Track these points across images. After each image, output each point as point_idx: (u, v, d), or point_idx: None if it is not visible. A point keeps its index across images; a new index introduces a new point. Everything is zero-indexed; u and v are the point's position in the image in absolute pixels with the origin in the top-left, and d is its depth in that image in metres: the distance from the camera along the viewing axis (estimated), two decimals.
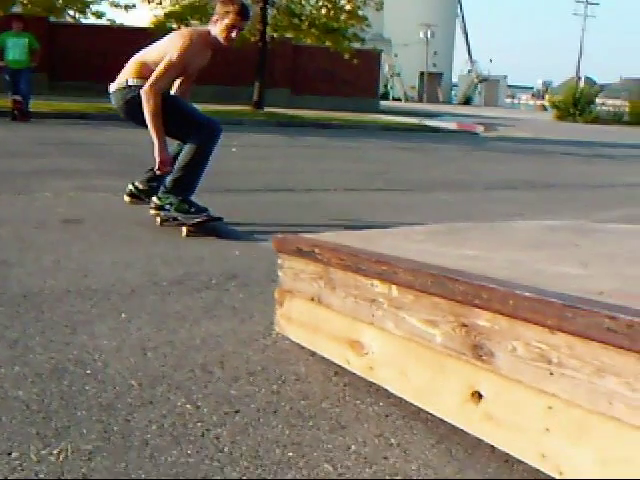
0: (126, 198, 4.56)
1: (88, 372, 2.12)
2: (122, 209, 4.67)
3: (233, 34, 4.21)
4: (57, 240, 3.87)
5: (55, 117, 13.00)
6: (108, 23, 22.96)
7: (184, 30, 4.46)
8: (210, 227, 4.25)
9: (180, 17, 19.37)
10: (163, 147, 4.19)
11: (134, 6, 22.00)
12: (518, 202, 6.49)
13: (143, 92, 4.09)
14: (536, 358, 1.55)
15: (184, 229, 4.20)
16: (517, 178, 8.73)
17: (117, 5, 22.06)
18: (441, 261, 1.98)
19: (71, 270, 3.25)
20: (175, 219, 4.25)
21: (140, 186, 4.52)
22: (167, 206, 4.26)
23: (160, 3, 19.85)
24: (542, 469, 1.55)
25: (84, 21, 23.53)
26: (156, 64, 4.13)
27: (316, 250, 2.28)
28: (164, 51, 4.19)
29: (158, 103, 4.10)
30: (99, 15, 22.51)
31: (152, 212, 4.35)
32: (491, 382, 1.67)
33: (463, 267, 1.88)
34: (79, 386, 2.02)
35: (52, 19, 22.08)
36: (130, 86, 4.20)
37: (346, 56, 19.94)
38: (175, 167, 4.25)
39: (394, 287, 1.96)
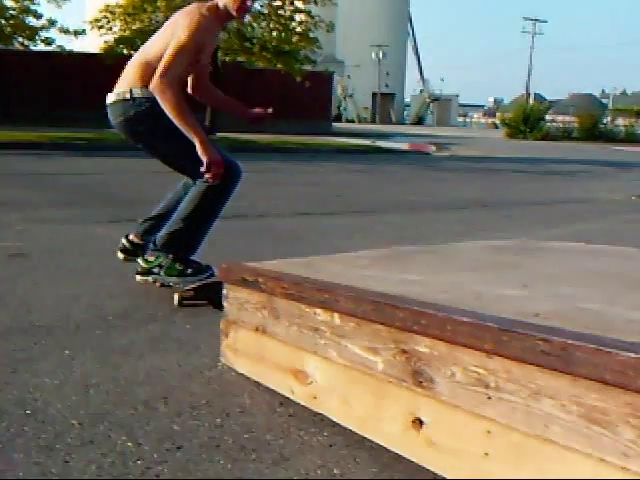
0: (120, 255, 3.74)
1: (28, 412, 2.07)
2: (70, 241, 4.59)
3: (249, 2, 3.35)
4: (1, 276, 3.79)
5: (4, 148, 12.83)
6: (58, 50, 22.70)
7: (190, 6, 3.36)
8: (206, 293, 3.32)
9: (130, 42, 19.27)
10: (207, 144, 3.22)
11: (84, 32, 21.79)
12: (468, 221, 6.56)
13: (153, 87, 3.15)
14: (474, 383, 1.55)
15: (175, 296, 3.29)
16: (468, 197, 8.82)
17: (66, 31, 21.78)
18: (383, 287, 1.97)
19: (14, 306, 3.18)
20: (169, 285, 3.45)
21: (135, 240, 3.70)
22: (155, 269, 3.47)
23: (110, 29, 19.77)
24: None
25: (33, 48, 23.26)
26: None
27: (260, 279, 2.27)
28: (170, 37, 3.23)
29: (177, 91, 3.19)
30: (48, 42, 22.24)
31: (138, 278, 3.54)
32: (431, 408, 1.67)
33: (404, 292, 1.88)
34: (18, 428, 1.96)
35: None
36: (134, 98, 3.29)
37: (298, 79, 20.05)
38: (173, 218, 3.43)
39: (336, 315, 1.96)
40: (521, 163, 15.75)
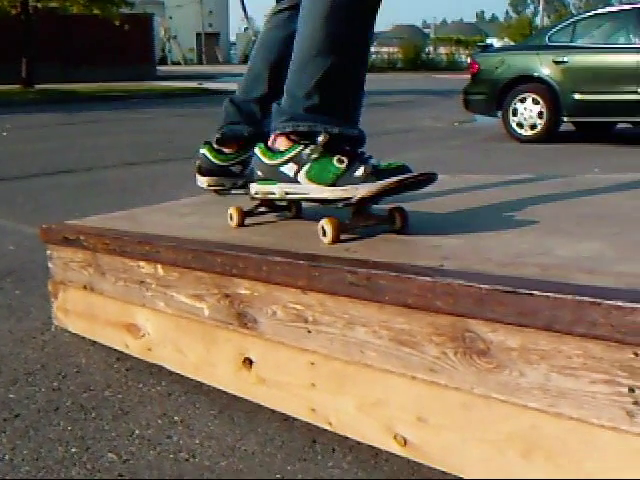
0: (200, 180, 2.40)
1: None
2: None
3: None
4: None
5: None
6: None
7: None
8: None
9: None
10: None
11: None
12: None
13: None
14: (294, 319, 1.62)
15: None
16: None
17: None
18: (204, 234, 2.00)
19: None
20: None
21: (227, 150, 2.39)
22: (287, 167, 1.80)
23: None
24: (314, 422, 1.64)
25: None
26: None
27: (81, 237, 2.24)
28: None
29: None
30: None
31: (256, 189, 1.92)
32: (258, 347, 1.74)
33: (225, 238, 1.92)
34: None
35: None
36: None
37: (116, 22, 19.33)
38: (300, 58, 1.84)
39: (159, 266, 1.97)
40: None
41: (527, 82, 8.92)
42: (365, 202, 1.72)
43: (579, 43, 8.93)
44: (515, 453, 1.27)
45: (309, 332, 1.59)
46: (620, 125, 9.69)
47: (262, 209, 2.11)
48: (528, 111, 8.86)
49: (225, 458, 1.62)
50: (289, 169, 1.79)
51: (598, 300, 1.13)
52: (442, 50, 50.61)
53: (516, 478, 1.28)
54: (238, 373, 1.79)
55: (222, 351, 1.84)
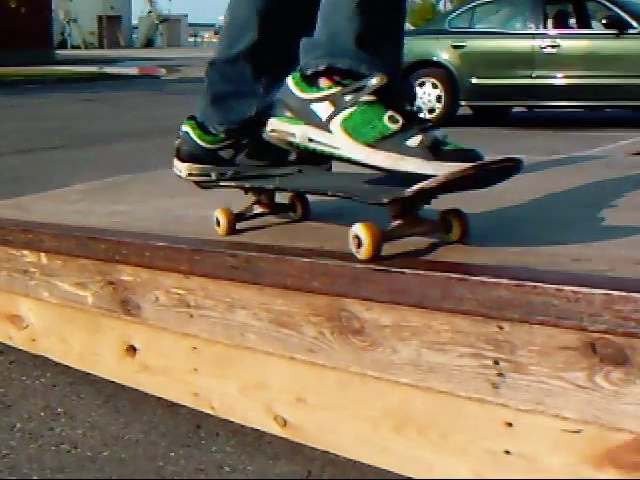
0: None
1: None
2: None
3: None
4: None
5: None
6: None
7: None
8: None
9: None
10: None
11: None
12: None
13: None
14: (176, 304, 1.61)
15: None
16: None
17: None
18: (89, 221, 1.96)
19: None
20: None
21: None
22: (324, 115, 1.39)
23: None
24: (197, 407, 1.63)
25: None
26: None
27: None
28: None
29: None
30: None
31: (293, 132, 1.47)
32: (142, 334, 1.72)
33: (112, 224, 1.89)
34: None
35: None
36: None
37: (12, 4, 18.68)
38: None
39: (42, 254, 1.92)
40: None
41: (426, 67, 9.05)
42: (418, 194, 1.26)
43: (477, 28, 9.13)
44: (388, 428, 1.30)
45: (191, 317, 1.58)
46: (516, 109, 9.96)
47: (258, 210, 1.69)
48: (427, 95, 9.01)
49: (108, 448, 1.60)
50: (322, 109, 1.38)
51: (465, 276, 1.17)
52: None
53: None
54: (122, 361, 1.77)
55: (106, 339, 1.81)
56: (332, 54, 1.41)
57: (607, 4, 8.49)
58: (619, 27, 8.25)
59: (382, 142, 1.30)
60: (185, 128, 1.76)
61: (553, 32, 8.63)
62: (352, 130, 1.34)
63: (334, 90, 1.39)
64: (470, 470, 1.21)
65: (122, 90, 13.84)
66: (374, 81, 1.33)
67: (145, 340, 1.72)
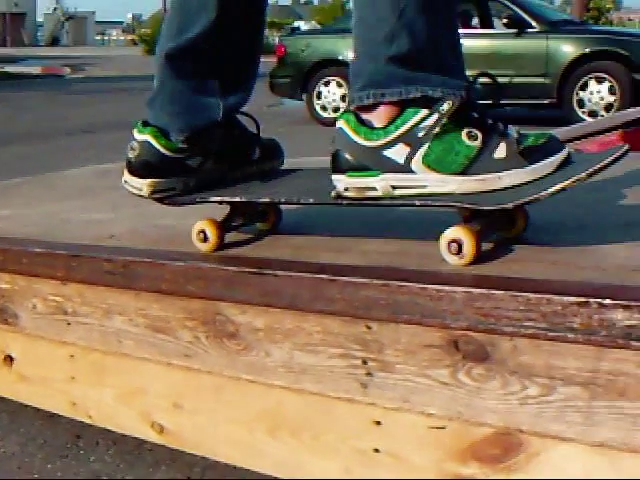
0: None
1: None
2: None
3: None
4: None
5: None
6: None
7: None
8: None
9: None
10: None
11: None
12: (99, 146, 6.45)
13: None
14: (54, 311, 1.57)
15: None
16: (100, 120, 8.65)
17: None
18: None
19: None
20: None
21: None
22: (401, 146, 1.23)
23: None
24: (75, 417, 1.60)
25: None
26: None
27: None
28: None
29: None
30: None
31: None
32: (19, 344, 1.67)
33: None
34: None
35: None
36: None
37: None
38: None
39: None
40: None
41: (331, 65, 9.10)
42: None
43: None
44: (263, 431, 1.30)
45: (69, 324, 1.55)
46: None
47: (240, 220, 1.49)
48: (332, 94, 9.06)
49: None
50: (398, 153, 1.22)
51: (335, 277, 1.17)
52: None
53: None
54: None
55: None
56: (376, 83, 1.24)
57: (508, 4, 8.71)
58: (519, 26, 8.49)
59: (471, 166, 1.18)
60: (143, 137, 1.46)
61: None
62: (436, 164, 1.20)
63: (403, 130, 1.21)
64: (341, 469, 1.22)
65: (24, 90, 13.43)
66: (446, 107, 1.18)
67: (22, 350, 1.67)
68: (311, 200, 1.34)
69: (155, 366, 1.43)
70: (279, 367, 1.26)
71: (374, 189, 1.23)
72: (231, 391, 1.33)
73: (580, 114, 8.10)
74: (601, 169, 1.11)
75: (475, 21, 9.34)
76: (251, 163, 1.54)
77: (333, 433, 1.22)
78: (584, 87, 8.29)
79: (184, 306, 1.36)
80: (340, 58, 9.10)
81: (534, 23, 8.53)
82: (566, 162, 1.16)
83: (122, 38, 78.46)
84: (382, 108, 1.24)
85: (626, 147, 1.15)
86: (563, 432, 1.04)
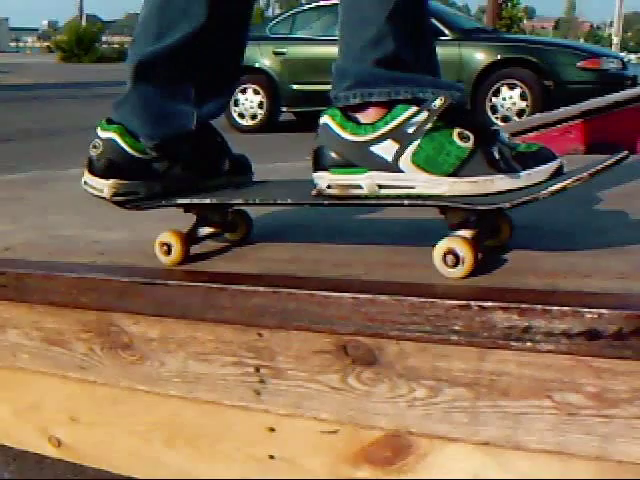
0: None
1: None
2: None
3: None
4: None
5: None
6: None
7: None
8: None
9: None
10: None
11: None
12: (12, 155, 6.30)
13: None
14: None
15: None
16: (12, 129, 8.45)
17: None
18: None
19: None
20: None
21: None
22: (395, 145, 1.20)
23: None
24: None
25: None
26: None
27: None
28: None
29: None
30: None
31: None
32: None
33: None
34: None
35: None
36: None
37: None
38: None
39: None
40: (73, 88, 15.46)
41: (248, 73, 9.10)
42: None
43: (297, 35, 9.29)
44: (160, 441, 1.29)
45: None
46: None
47: (208, 230, 1.40)
48: (249, 102, 9.08)
49: None
50: (386, 149, 1.17)
51: (225, 285, 1.18)
52: None
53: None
54: None
55: None
56: (363, 83, 1.21)
57: None
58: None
59: (462, 167, 1.14)
60: (108, 134, 1.38)
61: None
62: (426, 163, 1.15)
63: (393, 124, 1.17)
64: (237, 477, 1.22)
65: None
66: (438, 103, 1.14)
67: None
68: (289, 200, 1.29)
69: (51, 379, 1.40)
70: (174, 377, 1.25)
71: (359, 187, 1.18)
72: (128, 402, 1.32)
73: (493, 119, 8.30)
74: (604, 169, 1.08)
75: None
76: (220, 174, 1.47)
77: (229, 441, 1.23)
78: (497, 93, 8.51)
79: (78, 318, 1.34)
80: (257, 65, 9.13)
81: (447, 31, 8.71)
82: (558, 172, 1.12)
83: (37, 45, 76.80)
84: (371, 109, 1.20)
85: (626, 152, 1.11)
86: (450, 432, 1.07)
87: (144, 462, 1.32)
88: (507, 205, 1.09)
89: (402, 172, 1.16)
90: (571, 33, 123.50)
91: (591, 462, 1.01)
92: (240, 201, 1.34)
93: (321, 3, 9.63)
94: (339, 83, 1.24)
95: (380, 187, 1.17)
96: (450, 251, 1.10)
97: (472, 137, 1.15)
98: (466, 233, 1.13)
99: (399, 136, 1.16)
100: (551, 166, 1.12)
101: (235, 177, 1.47)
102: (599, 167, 1.07)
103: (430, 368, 1.06)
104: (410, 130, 1.16)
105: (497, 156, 1.13)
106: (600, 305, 0.96)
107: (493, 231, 1.24)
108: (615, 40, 32.83)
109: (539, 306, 0.98)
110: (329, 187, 1.20)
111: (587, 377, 0.98)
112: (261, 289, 1.14)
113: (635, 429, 0.97)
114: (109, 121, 1.39)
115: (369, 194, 1.18)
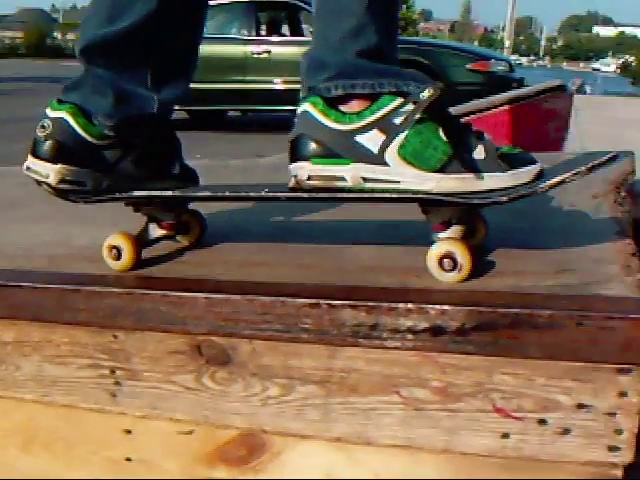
0: None
1: None
2: None
3: None
4: None
5: None
6: None
7: None
8: None
9: None
10: None
11: None
12: None
13: None
14: None
15: None
16: None
17: None
18: None
19: None
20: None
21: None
22: (364, 137, 1.15)
23: None
24: None
25: None
26: None
27: None
28: None
29: None
30: None
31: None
32: None
33: None
34: None
35: None
36: None
37: None
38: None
39: None
40: None
41: None
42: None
43: None
44: (15, 447, 1.27)
45: None
46: (231, 113, 10.17)
47: (160, 232, 1.31)
48: None
49: None
50: (371, 140, 1.11)
51: (78, 287, 1.16)
52: (71, 36, 49.17)
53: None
54: None
55: None
56: (345, 74, 1.15)
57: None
58: None
59: (450, 164, 1.09)
60: (58, 114, 1.24)
61: (265, 38, 8.93)
62: (413, 157, 1.10)
63: (380, 114, 1.11)
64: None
65: None
66: (427, 94, 1.09)
67: None
68: (262, 193, 1.19)
69: None
70: (29, 381, 1.23)
71: (343, 179, 1.11)
72: None
73: None
74: (601, 164, 1.06)
75: (285, 28, 9.53)
76: (169, 177, 1.35)
77: (86, 444, 1.21)
78: None
79: None
80: None
81: None
82: (540, 175, 1.10)
83: None
84: (354, 101, 1.14)
85: (614, 153, 1.10)
86: (303, 430, 1.08)
87: (0, 468, 1.29)
88: (504, 199, 1.07)
89: (388, 165, 1.11)
90: (466, 36, 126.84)
91: (439, 455, 1.04)
92: (208, 194, 1.26)
93: (213, 2, 9.57)
94: (316, 74, 1.17)
95: (365, 180, 1.11)
96: (447, 255, 1.07)
97: (457, 133, 1.12)
98: (455, 234, 1.11)
99: (386, 126, 1.11)
100: (534, 168, 1.10)
101: (183, 184, 1.35)
102: (596, 162, 1.06)
103: (282, 366, 1.07)
104: (397, 121, 1.10)
105: (483, 155, 1.10)
106: (444, 302, 0.99)
107: (471, 231, 1.20)
108: (507, 43, 33.85)
109: (386, 304, 1.01)
110: (309, 178, 1.13)
111: (433, 372, 1.02)
112: (115, 290, 1.13)
113: (478, 422, 1.01)
114: (60, 102, 1.27)
115: (353, 187, 1.11)
